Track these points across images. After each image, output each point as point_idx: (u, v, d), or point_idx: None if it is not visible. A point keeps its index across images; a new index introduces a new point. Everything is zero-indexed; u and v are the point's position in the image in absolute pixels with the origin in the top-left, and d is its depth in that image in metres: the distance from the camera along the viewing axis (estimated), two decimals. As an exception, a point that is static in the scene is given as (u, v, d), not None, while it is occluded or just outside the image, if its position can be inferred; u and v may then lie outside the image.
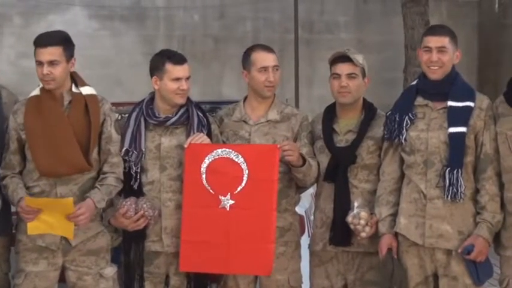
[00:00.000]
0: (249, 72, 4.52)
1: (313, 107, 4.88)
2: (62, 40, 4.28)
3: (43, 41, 4.24)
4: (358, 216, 4.20)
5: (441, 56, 4.17)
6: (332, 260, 4.45)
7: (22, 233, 4.29)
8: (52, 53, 4.19)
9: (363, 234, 4.21)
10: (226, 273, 4.45)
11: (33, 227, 4.11)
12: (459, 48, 4.27)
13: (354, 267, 4.42)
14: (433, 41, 4.20)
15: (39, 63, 4.20)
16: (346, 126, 4.43)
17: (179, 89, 4.36)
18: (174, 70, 4.38)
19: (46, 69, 4.17)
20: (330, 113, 4.50)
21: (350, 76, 4.36)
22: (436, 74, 4.19)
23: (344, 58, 4.38)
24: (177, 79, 4.37)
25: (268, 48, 4.58)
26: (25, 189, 4.18)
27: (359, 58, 4.37)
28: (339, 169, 4.37)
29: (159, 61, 4.43)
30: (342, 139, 4.42)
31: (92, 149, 4.26)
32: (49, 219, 4.11)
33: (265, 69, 4.46)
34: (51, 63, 4.18)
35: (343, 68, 4.37)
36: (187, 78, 4.40)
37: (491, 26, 13.66)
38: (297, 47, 10.79)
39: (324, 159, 4.43)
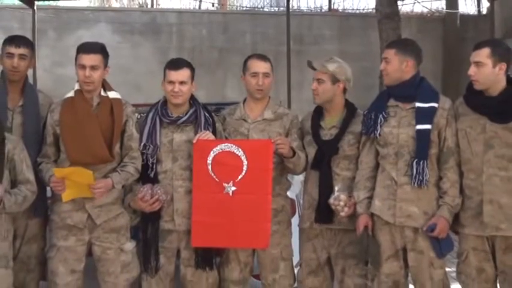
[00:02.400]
0: (245, 76, 4.54)
1: (303, 107, 4.90)
2: (102, 50, 4.33)
3: (87, 48, 4.29)
4: (338, 198, 4.22)
5: (385, 65, 4.22)
6: (318, 237, 4.46)
7: (55, 214, 4.33)
8: (94, 59, 4.24)
9: (342, 214, 4.23)
10: (230, 247, 4.46)
11: (66, 195, 4.15)
12: (417, 57, 4.24)
13: (336, 242, 4.42)
14: (384, 53, 4.29)
15: (82, 67, 4.23)
16: (330, 123, 4.44)
17: (172, 91, 4.36)
18: (168, 74, 4.39)
19: (88, 72, 4.21)
20: (318, 112, 4.52)
21: (318, 81, 4.39)
22: (384, 80, 4.28)
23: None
24: (171, 82, 4.37)
25: (262, 57, 4.57)
26: None
27: (330, 66, 4.37)
28: (323, 159, 4.38)
29: (164, 67, 4.47)
30: (327, 133, 4.42)
31: (114, 144, 4.28)
32: (76, 185, 4.13)
33: (255, 74, 4.47)
34: (93, 67, 4.22)
35: (314, 74, 4.43)
36: (181, 82, 4.37)
37: (454, 39, 13.65)
38: (289, 57, 10.73)
39: (312, 151, 4.44)
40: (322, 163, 4.38)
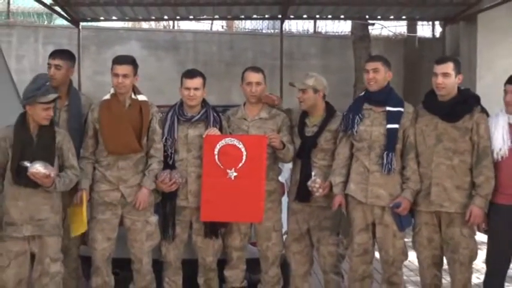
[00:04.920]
0: (242, 85, 4.50)
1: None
2: (132, 61, 4.28)
3: (120, 60, 4.25)
4: (314, 181, 4.20)
5: (375, 75, 4.16)
6: (300, 212, 4.45)
7: (95, 193, 4.30)
8: (126, 69, 4.20)
9: (317, 194, 4.21)
10: (232, 221, 4.44)
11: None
12: (391, 70, 4.23)
13: (314, 217, 4.41)
14: (369, 65, 4.22)
15: (116, 75, 4.19)
16: (313, 122, 4.41)
17: (188, 95, 4.34)
18: (185, 82, 4.36)
19: (121, 80, 4.18)
20: (305, 112, 4.46)
21: (303, 91, 4.34)
22: (372, 87, 4.20)
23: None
24: (187, 88, 4.34)
25: (255, 69, 4.53)
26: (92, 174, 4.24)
27: (309, 82, 4.33)
28: (305, 151, 4.35)
29: (182, 76, 4.43)
30: (310, 130, 4.39)
31: (142, 137, 4.25)
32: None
33: (249, 83, 4.43)
34: (125, 76, 4.19)
35: (298, 87, 4.38)
36: (196, 88, 4.33)
37: (413, 56, 13.59)
38: (281, 70, 10.72)
39: (298, 142, 4.42)
40: (304, 154, 4.35)
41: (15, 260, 3.86)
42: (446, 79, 3.94)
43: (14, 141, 3.84)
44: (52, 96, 3.86)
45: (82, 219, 4.16)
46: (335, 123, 4.35)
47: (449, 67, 3.94)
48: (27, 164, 3.72)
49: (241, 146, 4.22)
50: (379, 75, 4.15)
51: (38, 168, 3.71)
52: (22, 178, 3.77)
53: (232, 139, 4.26)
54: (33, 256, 3.94)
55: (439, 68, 3.96)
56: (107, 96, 4.31)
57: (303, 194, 4.32)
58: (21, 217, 3.84)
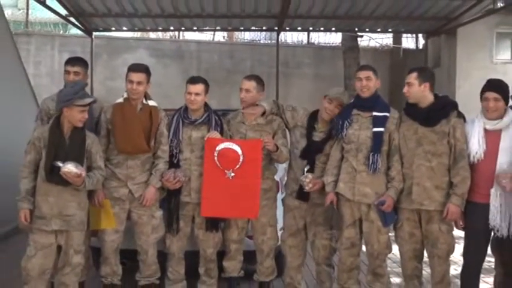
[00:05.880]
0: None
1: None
2: (146, 69, 4.27)
3: (135, 68, 4.25)
4: (306, 176, 4.21)
5: (367, 82, 4.17)
6: (297, 208, 4.44)
7: (105, 189, 4.25)
8: (140, 76, 4.19)
9: (307, 188, 4.21)
10: (230, 217, 4.43)
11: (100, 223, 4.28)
12: (379, 79, 4.25)
13: (310, 213, 4.40)
14: (362, 74, 4.21)
15: (130, 82, 4.18)
16: (321, 128, 4.37)
17: (189, 99, 4.34)
18: (188, 87, 4.36)
19: (135, 86, 4.18)
20: (314, 116, 4.43)
21: (330, 102, 4.29)
22: (365, 93, 4.20)
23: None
24: (189, 93, 4.34)
25: (248, 77, 4.52)
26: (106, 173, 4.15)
27: (344, 99, 4.31)
28: (309, 153, 4.34)
29: (186, 82, 4.42)
30: (317, 135, 4.36)
31: (151, 139, 4.25)
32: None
33: (240, 89, 4.44)
34: (139, 83, 4.17)
35: (330, 95, 4.32)
36: (196, 93, 4.32)
37: (398, 66, 13.66)
38: (277, 77, 10.71)
39: (303, 142, 4.38)
40: (309, 156, 4.34)
41: (41, 251, 3.85)
42: (410, 88, 3.99)
43: (48, 141, 3.83)
44: (88, 100, 3.86)
45: (99, 218, 4.21)
46: None
47: (411, 77, 3.99)
48: (59, 164, 3.72)
49: (238, 149, 4.22)
50: (371, 83, 4.17)
51: (70, 168, 3.71)
52: (54, 176, 3.77)
53: (231, 143, 4.26)
54: (59, 248, 3.95)
55: (406, 78, 4.02)
56: (120, 100, 4.30)
57: (303, 194, 4.30)
58: (51, 212, 3.84)
